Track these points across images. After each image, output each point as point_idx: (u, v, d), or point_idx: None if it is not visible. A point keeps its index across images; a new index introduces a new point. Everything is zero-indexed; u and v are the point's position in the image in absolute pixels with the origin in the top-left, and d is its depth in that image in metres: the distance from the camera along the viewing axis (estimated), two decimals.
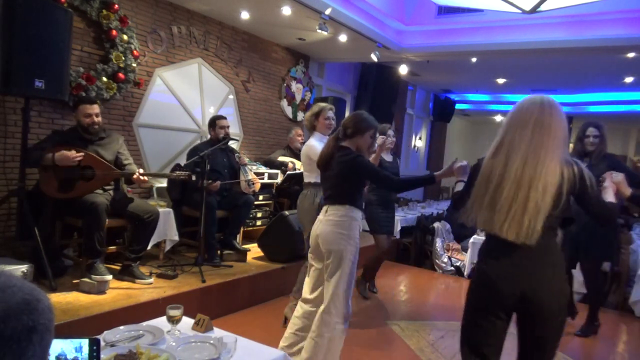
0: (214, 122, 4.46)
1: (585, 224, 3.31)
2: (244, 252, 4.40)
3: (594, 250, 3.66)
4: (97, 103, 3.47)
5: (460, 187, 2.18)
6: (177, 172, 3.68)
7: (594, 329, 3.85)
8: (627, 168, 3.67)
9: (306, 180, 3.48)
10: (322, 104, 3.49)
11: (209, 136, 4.59)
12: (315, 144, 3.32)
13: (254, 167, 5.21)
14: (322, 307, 2.58)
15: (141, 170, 3.44)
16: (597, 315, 3.87)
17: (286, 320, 3.46)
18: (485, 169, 1.82)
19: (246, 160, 4.84)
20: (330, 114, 3.46)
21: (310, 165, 3.34)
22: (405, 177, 2.80)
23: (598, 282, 3.86)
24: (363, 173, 2.61)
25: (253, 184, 4.58)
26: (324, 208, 2.68)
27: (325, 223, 2.60)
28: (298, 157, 5.72)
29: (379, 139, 3.74)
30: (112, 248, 3.78)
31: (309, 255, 2.79)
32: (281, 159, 5.59)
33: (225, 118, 4.52)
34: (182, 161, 4.41)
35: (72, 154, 3.21)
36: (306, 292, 2.77)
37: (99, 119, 3.45)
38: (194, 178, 3.74)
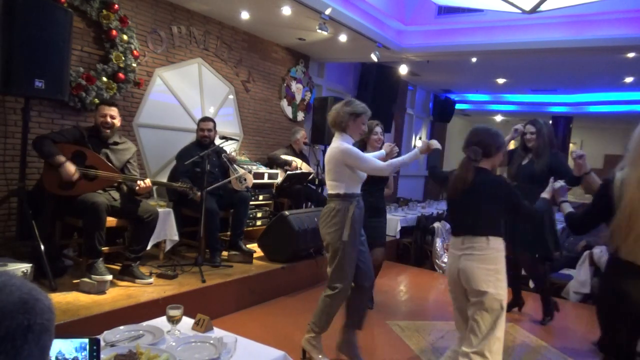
0: (198, 124, 4.52)
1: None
2: (249, 254, 4.39)
3: (527, 243, 3.82)
4: (116, 106, 3.57)
5: (567, 208, 2.31)
6: (179, 183, 3.70)
7: (550, 312, 4.07)
8: (568, 167, 3.65)
9: (334, 191, 2.86)
10: (362, 106, 2.92)
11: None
12: (354, 148, 2.84)
13: (254, 167, 5.21)
14: (473, 348, 2.32)
15: (146, 181, 3.47)
16: (550, 300, 4.08)
17: (305, 354, 2.98)
18: (633, 202, 1.91)
19: (236, 157, 4.84)
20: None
21: (340, 174, 2.83)
22: (534, 209, 2.62)
23: (538, 272, 4.03)
24: (516, 203, 2.39)
25: (245, 179, 4.58)
26: (459, 239, 2.42)
27: (468, 258, 2.36)
28: (300, 158, 5.73)
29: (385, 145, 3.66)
30: (113, 248, 3.78)
31: (451, 294, 2.52)
32: (284, 157, 5.59)
33: (209, 120, 4.50)
34: None
35: (72, 172, 3.19)
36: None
37: (115, 120, 3.53)
38: (195, 191, 3.73)
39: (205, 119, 4.51)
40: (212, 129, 4.45)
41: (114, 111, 3.52)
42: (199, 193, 3.80)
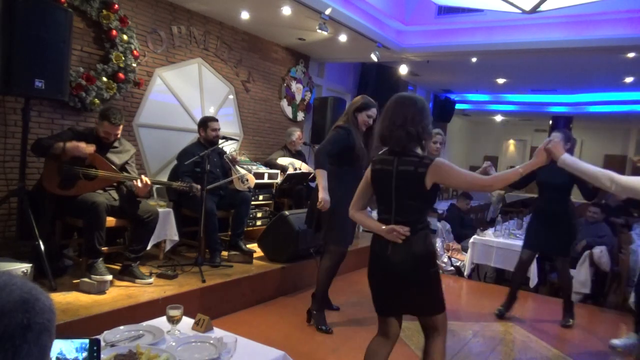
0: (205, 123, 4.47)
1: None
2: (250, 254, 4.38)
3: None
4: (122, 124, 3.52)
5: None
6: (178, 182, 3.70)
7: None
8: None
9: None
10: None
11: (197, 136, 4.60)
12: None
13: (254, 167, 5.21)
14: None
15: (143, 177, 3.46)
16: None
17: None
18: None
19: (238, 158, 4.85)
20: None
21: None
22: None
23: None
24: None
25: (247, 180, 4.59)
26: None
27: None
28: (297, 159, 5.73)
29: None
30: (113, 248, 3.78)
31: None
32: (281, 160, 5.58)
33: (216, 120, 4.51)
34: None
35: (83, 145, 3.23)
36: None
37: (118, 136, 3.54)
38: (195, 190, 3.73)
39: (215, 119, 4.53)
40: (220, 127, 4.50)
41: (119, 129, 3.50)
42: (199, 186, 3.80)
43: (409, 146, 2.13)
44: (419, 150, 2.17)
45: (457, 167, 2.10)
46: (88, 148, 3.26)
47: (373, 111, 3.42)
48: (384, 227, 2.09)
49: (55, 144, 3.20)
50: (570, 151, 3.47)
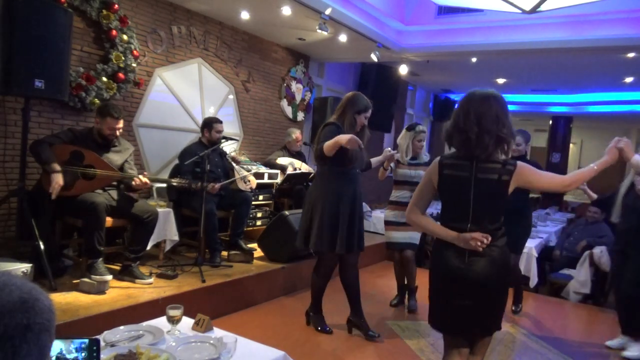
0: (210, 124, 4.45)
1: None
2: (250, 253, 4.39)
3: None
4: (122, 118, 3.56)
5: None
6: (177, 179, 3.71)
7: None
8: None
9: None
10: None
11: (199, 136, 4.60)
12: None
13: (254, 167, 5.21)
14: None
15: (142, 177, 3.46)
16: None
17: None
18: None
19: (240, 158, 4.86)
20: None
21: None
22: None
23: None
24: None
25: (249, 180, 4.60)
26: None
27: None
28: (297, 159, 5.73)
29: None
30: (112, 248, 3.78)
31: None
32: (280, 160, 5.59)
33: (221, 122, 4.52)
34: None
35: (58, 185, 3.14)
36: None
37: (121, 130, 3.55)
38: (193, 186, 3.74)
39: (220, 121, 4.53)
40: (223, 129, 4.53)
41: (121, 124, 3.53)
42: (199, 183, 3.81)
43: (494, 151, 1.94)
44: (499, 154, 1.97)
45: (537, 170, 2.00)
46: (55, 192, 3.13)
47: (370, 112, 3.39)
48: (458, 235, 1.96)
49: (51, 165, 3.15)
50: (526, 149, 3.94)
